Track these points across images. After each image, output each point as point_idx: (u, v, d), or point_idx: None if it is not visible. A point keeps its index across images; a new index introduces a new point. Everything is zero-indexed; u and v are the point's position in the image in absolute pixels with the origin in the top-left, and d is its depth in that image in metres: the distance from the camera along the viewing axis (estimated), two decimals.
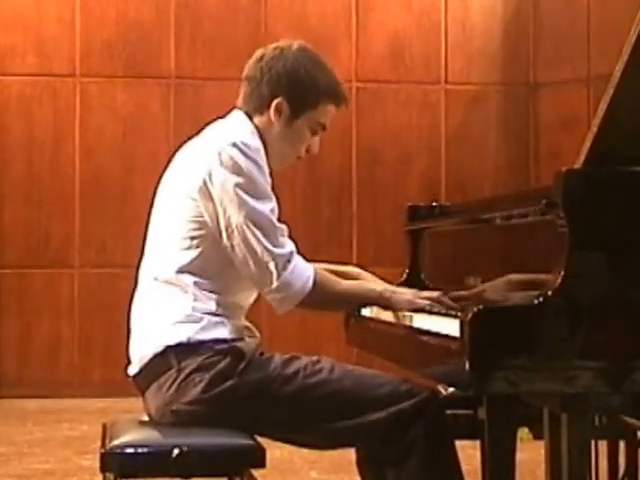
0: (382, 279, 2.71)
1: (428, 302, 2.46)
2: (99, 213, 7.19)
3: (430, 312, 2.39)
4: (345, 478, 4.32)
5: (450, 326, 2.03)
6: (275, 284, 2.42)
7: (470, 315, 1.89)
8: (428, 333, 2.20)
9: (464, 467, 2.45)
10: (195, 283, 2.46)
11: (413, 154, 7.61)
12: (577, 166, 2.09)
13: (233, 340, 2.46)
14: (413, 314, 2.40)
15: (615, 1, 6.97)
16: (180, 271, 2.46)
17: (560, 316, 1.90)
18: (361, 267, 2.84)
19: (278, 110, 2.56)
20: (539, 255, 2.18)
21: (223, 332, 2.46)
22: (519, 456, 2.68)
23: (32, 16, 7.27)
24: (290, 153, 2.64)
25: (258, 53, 2.62)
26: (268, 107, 2.56)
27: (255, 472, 2.39)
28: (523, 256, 2.32)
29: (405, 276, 2.97)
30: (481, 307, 1.90)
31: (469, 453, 2.97)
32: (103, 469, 2.34)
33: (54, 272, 7.24)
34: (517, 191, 2.88)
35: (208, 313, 2.45)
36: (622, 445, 2.94)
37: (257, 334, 2.59)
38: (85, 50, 7.31)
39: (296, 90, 2.55)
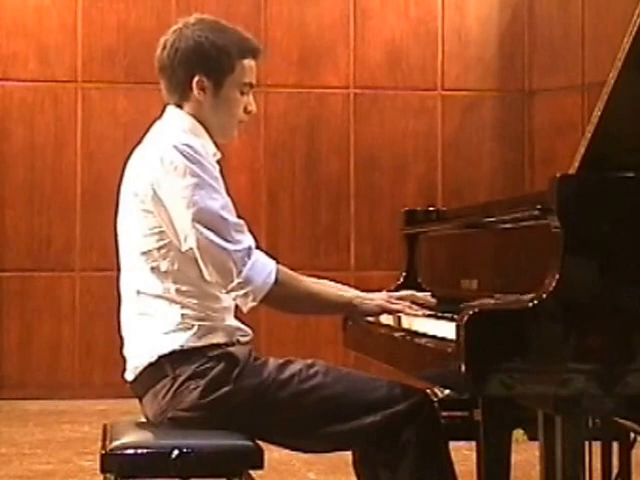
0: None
1: (399, 307, 2.47)
2: (100, 217, 7.20)
3: (426, 315, 2.41)
4: (342, 479, 4.35)
5: (446, 329, 2.05)
6: (236, 281, 2.38)
7: (466, 318, 1.91)
8: (425, 336, 2.22)
9: (460, 468, 2.46)
10: (177, 291, 2.45)
11: (410, 159, 7.64)
12: (571, 171, 2.12)
13: (226, 345, 2.46)
14: (412, 318, 2.42)
15: (609, 10, 7.01)
16: (162, 283, 2.45)
17: (554, 319, 1.92)
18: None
19: (201, 88, 2.53)
20: (534, 259, 2.20)
21: (215, 337, 2.46)
22: (514, 457, 2.69)
23: (34, 23, 7.30)
24: (229, 122, 2.59)
25: (161, 42, 2.60)
26: (190, 89, 2.54)
27: (253, 473, 2.40)
28: (518, 260, 2.34)
29: (402, 279, 2.98)
30: (476, 310, 1.92)
31: (465, 454, 2.99)
32: (103, 470, 2.34)
33: (55, 275, 7.27)
34: (512, 196, 2.89)
35: (198, 319, 2.45)
36: (615, 446, 2.96)
37: (249, 332, 2.57)
38: (87, 56, 7.33)
39: (208, 62, 2.52)
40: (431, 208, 3.04)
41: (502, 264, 2.44)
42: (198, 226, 2.38)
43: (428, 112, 7.66)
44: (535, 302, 1.92)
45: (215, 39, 2.54)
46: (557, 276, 1.93)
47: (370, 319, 2.68)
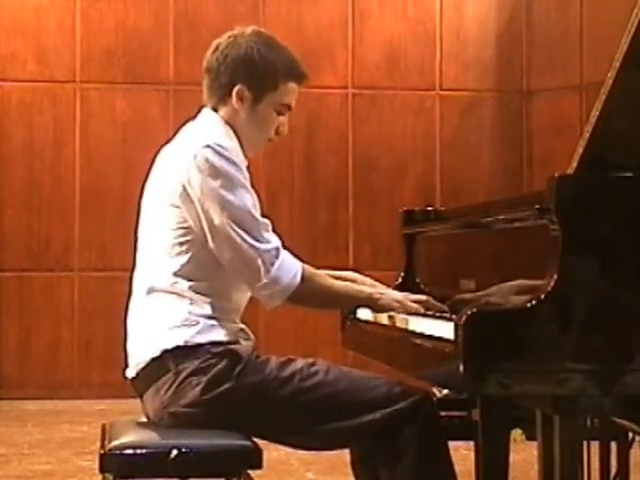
0: (379, 282, 2.74)
1: (416, 305, 2.49)
2: (98, 217, 7.23)
3: (424, 315, 2.41)
4: (340, 479, 4.35)
5: (444, 329, 2.05)
6: (263, 280, 2.43)
7: (464, 318, 1.91)
8: (423, 336, 2.22)
9: (458, 468, 2.46)
10: (190, 287, 2.47)
11: (408, 159, 7.65)
12: (569, 171, 2.12)
13: (229, 343, 2.48)
14: (408, 317, 2.42)
15: (607, 9, 7.01)
16: (175, 278, 2.48)
17: (552, 319, 1.92)
18: (357, 271, 2.85)
19: (240, 97, 2.56)
20: (532, 259, 2.20)
21: (219, 335, 2.47)
22: (512, 457, 2.69)
23: (33, 23, 7.32)
24: (259, 138, 2.62)
25: (214, 44, 2.62)
26: (230, 96, 2.57)
27: (252, 473, 2.41)
28: (516, 260, 2.34)
29: (400, 279, 2.98)
30: (475, 310, 1.92)
31: (463, 454, 2.99)
32: (102, 470, 2.35)
33: (54, 275, 7.28)
34: (510, 196, 2.90)
35: (204, 316, 2.47)
36: (614, 446, 2.96)
37: (252, 336, 2.60)
38: (85, 57, 7.35)
39: (253, 75, 2.55)
40: (429, 208, 3.04)
41: (500, 264, 2.44)
42: (231, 224, 2.42)
43: (426, 112, 7.67)
44: (533, 302, 1.92)
45: (266, 54, 2.57)
46: (555, 276, 1.93)
47: (369, 319, 2.69)
